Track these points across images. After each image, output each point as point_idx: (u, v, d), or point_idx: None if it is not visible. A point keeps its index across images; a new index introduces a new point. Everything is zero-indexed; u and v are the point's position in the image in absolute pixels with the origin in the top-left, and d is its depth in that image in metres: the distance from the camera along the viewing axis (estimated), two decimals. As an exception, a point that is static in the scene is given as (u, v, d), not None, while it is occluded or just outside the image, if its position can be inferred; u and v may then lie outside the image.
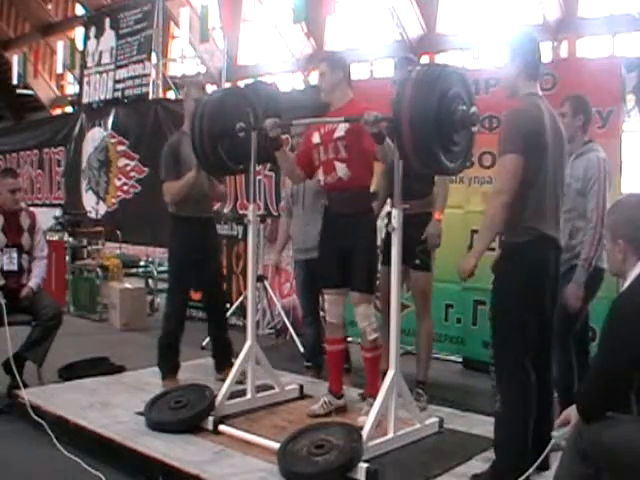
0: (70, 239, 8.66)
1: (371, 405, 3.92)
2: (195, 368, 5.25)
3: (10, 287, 4.86)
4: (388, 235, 4.39)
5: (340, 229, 4.06)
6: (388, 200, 4.55)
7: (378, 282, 4.64)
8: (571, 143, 3.93)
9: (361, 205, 4.06)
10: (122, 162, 9.01)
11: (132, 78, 9.16)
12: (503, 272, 3.26)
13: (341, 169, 4.00)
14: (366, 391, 4.25)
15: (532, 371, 3.19)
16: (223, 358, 4.89)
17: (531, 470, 2.94)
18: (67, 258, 8.41)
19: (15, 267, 4.94)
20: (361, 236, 4.03)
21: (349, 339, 4.88)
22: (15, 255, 4.94)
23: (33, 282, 4.99)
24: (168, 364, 4.79)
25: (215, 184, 4.83)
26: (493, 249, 5.21)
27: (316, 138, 4.13)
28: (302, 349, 6.24)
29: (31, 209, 5.44)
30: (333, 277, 4.15)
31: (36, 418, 4.14)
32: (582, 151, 4.01)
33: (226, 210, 7.33)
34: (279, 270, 5.73)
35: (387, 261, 4.36)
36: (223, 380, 4.28)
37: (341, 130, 4.00)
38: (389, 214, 4.52)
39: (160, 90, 9.37)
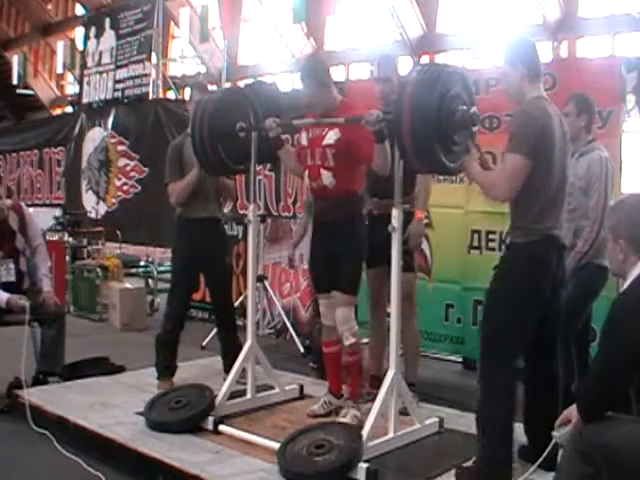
0: (70, 239, 8.65)
1: (351, 407, 3.95)
2: (195, 368, 5.25)
3: None
4: (372, 236, 4.38)
5: (326, 234, 4.02)
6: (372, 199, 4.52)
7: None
8: (575, 142, 3.93)
9: (346, 211, 3.97)
10: (122, 162, 9.01)
11: (132, 78, 9.15)
12: (504, 271, 3.29)
13: (327, 177, 3.93)
14: (347, 393, 4.18)
15: (518, 372, 3.24)
16: (232, 360, 4.86)
17: (533, 468, 2.95)
18: (67, 258, 8.40)
19: (13, 278, 4.87)
20: (346, 241, 3.96)
21: (364, 340, 4.86)
22: (12, 266, 4.87)
23: (46, 283, 4.93)
24: (163, 364, 4.78)
25: (222, 179, 4.82)
26: (494, 249, 5.23)
27: (303, 139, 4.07)
28: (302, 349, 6.24)
29: (18, 203, 5.26)
30: (324, 282, 4.11)
31: (33, 424, 4.15)
32: (585, 150, 4.05)
33: (226, 210, 7.33)
34: (292, 264, 5.61)
35: (373, 263, 4.36)
36: None
37: (331, 138, 3.90)
38: (369, 212, 4.51)
39: (160, 90, 9.36)
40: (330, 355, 4.27)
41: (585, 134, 4.08)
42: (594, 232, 3.92)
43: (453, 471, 3.41)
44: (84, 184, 9.69)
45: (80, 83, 10.42)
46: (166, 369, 4.78)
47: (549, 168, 3.17)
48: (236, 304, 5.88)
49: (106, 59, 9.60)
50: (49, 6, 23.22)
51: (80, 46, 10.98)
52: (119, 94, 9.32)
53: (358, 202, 4.08)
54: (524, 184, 3.13)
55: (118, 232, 8.62)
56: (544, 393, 3.35)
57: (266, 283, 6.70)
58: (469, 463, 3.37)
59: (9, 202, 5.02)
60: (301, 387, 4.60)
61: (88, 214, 9.41)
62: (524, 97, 3.28)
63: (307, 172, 4.05)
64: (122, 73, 9.29)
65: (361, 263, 4.11)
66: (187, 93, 10.44)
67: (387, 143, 3.69)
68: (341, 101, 4.06)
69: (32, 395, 4.39)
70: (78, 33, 15.39)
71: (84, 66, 10.16)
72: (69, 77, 18.84)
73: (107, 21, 9.67)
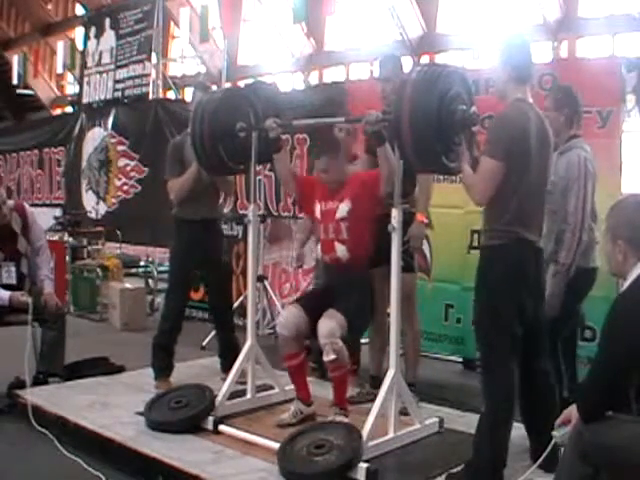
0: (70, 239, 8.64)
1: (338, 414, 3.90)
2: (195, 368, 5.26)
3: None
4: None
5: (334, 287, 4.03)
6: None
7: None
8: (556, 138, 3.84)
9: (356, 275, 3.99)
10: (122, 162, 9.01)
11: (132, 78, 9.15)
12: (482, 275, 3.30)
13: (340, 250, 3.97)
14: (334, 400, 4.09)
15: (517, 373, 3.23)
16: (230, 359, 4.86)
17: (532, 469, 2.95)
18: (67, 258, 8.39)
19: (14, 281, 4.84)
20: (353, 295, 3.93)
21: (362, 340, 4.86)
22: (13, 269, 4.84)
23: (48, 284, 4.89)
24: (160, 364, 4.80)
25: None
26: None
27: (317, 212, 4.10)
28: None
29: (21, 204, 5.24)
30: (310, 300, 4.12)
31: (34, 420, 4.15)
32: (565, 148, 3.91)
33: (226, 210, 7.32)
34: (300, 262, 5.61)
35: (374, 263, 4.35)
36: None
37: (343, 211, 3.95)
38: None
39: (160, 90, 9.36)
40: (294, 367, 4.11)
41: (566, 129, 3.91)
42: (575, 239, 3.74)
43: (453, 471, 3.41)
44: (84, 184, 9.69)
45: (80, 83, 10.42)
46: (163, 369, 4.80)
47: (524, 172, 3.18)
48: (236, 304, 5.90)
49: (106, 59, 9.60)
50: (49, 6, 23.18)
51: (80, 46, 10.97)
52: (119, 94, 9.32)
53: (367, 266, 4.08)
54: (498, 187, 3.16)
55: (118, 232, 8.62)
56: (537, 395, 3.36)
57: (266, 283, 6.70)
58: (458, 468, 3.37)
59: (12, 203, 5.00)
60: (301, 387, 4.59)
61: (88, 214, 9.41)
62: (506, 97, 3.30)
63: (319, 245, 4.13)
64: (122, 73, 9.29)
65: (366, 310, 4.05)
66: (187, 93, 10.43)
67: (388, 145, 3.69)
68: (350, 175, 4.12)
69: (32, 395, 4.39)
70: (78, 33, 15.38)
71: (84, 66, 10.16)
72: (69, 77, 18.79)
73: (107, 21, 9.67)
